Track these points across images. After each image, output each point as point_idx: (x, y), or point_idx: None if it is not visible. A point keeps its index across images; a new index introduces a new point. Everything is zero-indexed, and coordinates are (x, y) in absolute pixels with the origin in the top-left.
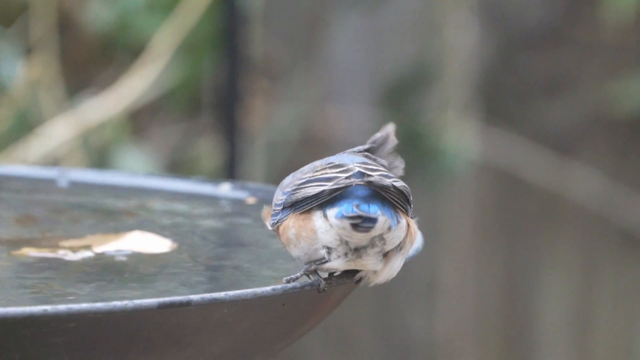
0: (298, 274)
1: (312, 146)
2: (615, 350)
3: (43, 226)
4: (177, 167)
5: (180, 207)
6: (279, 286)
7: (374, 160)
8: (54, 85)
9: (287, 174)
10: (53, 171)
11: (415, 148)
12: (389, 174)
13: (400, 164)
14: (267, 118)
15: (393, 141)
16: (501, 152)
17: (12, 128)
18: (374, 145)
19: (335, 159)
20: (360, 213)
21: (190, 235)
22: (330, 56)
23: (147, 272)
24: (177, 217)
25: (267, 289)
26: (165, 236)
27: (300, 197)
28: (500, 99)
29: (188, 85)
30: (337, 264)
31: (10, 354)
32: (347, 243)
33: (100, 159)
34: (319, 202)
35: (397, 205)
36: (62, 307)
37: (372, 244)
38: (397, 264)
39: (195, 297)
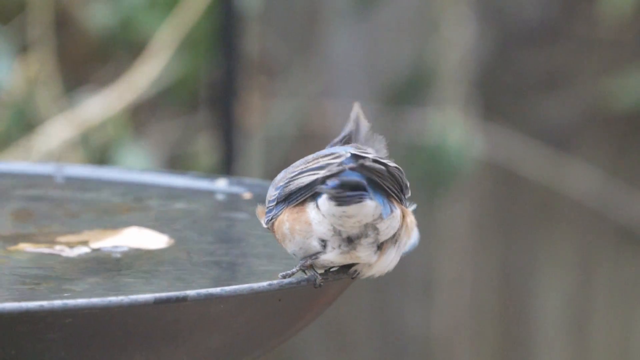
0: (294, 270)
1: (309, 142)
2: (612, 346)
3: (40, 222)
4: (175, 163)
5: (177, 202)
6: (275, 282)
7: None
8: (52, 83)
9: None
10: (50, 167)
11: (413, 145)
12: (383, 159)
13: (382, 145)
14: (265, 114)
15: (365, 124)
16: (498, 148)
17: (9, 126)
18: (350, 133)
19: (327, 150)
20: (343, 180)
21: (187, 231)
22: (328, 52)
23: (143, 267)
24: (173, 213)
25: (264, 284)
26: (162, 232)
27: (293, 188)
28: (498, 95)
29: (186, 81)
30: (332, 256)
31: (7, 350)
32: (340, 233)
33: (102, 157)
34: (313, 192)
35: (391, 193)
36: (58, 303)
37: (365, 233)
38: (392, 256)
39: (191, 292)
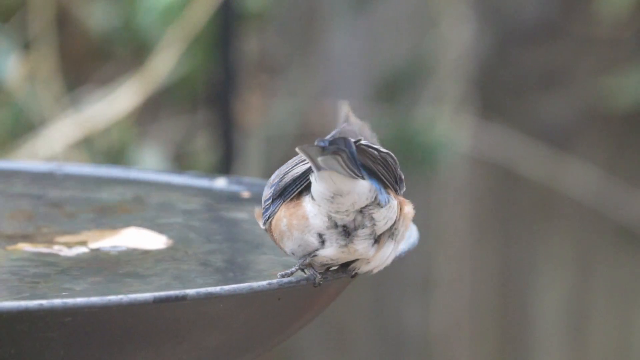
0: (293, 269)
1: (309, 140)
2: (611, 344)
3: (38, 222)
4: (177, 163)
5: (176, 202)
6: (274, 281)
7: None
8: (53, 81)
9: None
10: (49, 166)
11: (409, 141)
12: (375, 145)
13: (374, 138)
14: (264, 113)
15: (356, 121)
16: (496, 147)
17: (11, 125)
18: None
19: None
20: (339, 146)
21: (186, 230)
22: (327, 51)
23: (142, 267)
24: (172, 212)
25: (263, 283)
26: (161, 232)
27: (288, 180)
28: (496, 93)
29: (187, 81)
30: (330, 252)
31: (6, 349)
32: (336, 225)
33: (107, 160)
34: (308, 181)
35: (386, 182)
36: (57, 302)
37: (361, 224)
38: (389, 250)
39: (190, 291)
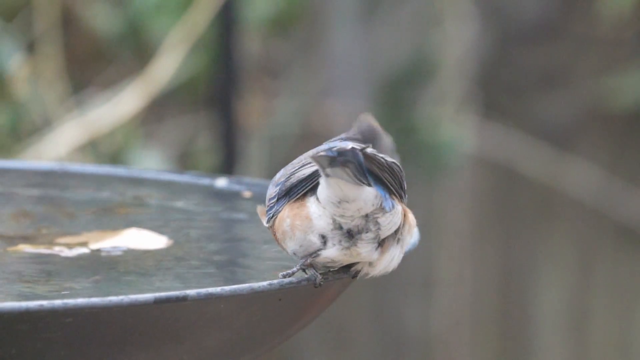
0: (294, 269)
1: (311, 141)
2: (611, 343)
3: (39, 222)
4: (179, 164)
5: (177, 202)
6: (275, 281)
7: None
8: (56, 82)
9: None
10: (50, 166)
11: (412, 142)
12: (382, 154)
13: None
14: (266, 113)
15: (381, 133)
16: (498, 146)
17: (14, 126)
18: (356, 136)
19: (326, 145)
20: (347, 157)
21: (187, 231)
22: (329, 51)
23: (143, 268)
24: (173, 213)
25: (264, 284)
26: (162, 232)
27: (294, 181)
28: (497, 92)
29: (190, 82)
30: (332, 253)
31: (7, 349)
32: (340, 227)
33: (112, 163)
34: (314, 184)
35: (392, 189)
36: (58, 302)
37: (366, 227)
38: (393, 254)
39: (191, 292)
